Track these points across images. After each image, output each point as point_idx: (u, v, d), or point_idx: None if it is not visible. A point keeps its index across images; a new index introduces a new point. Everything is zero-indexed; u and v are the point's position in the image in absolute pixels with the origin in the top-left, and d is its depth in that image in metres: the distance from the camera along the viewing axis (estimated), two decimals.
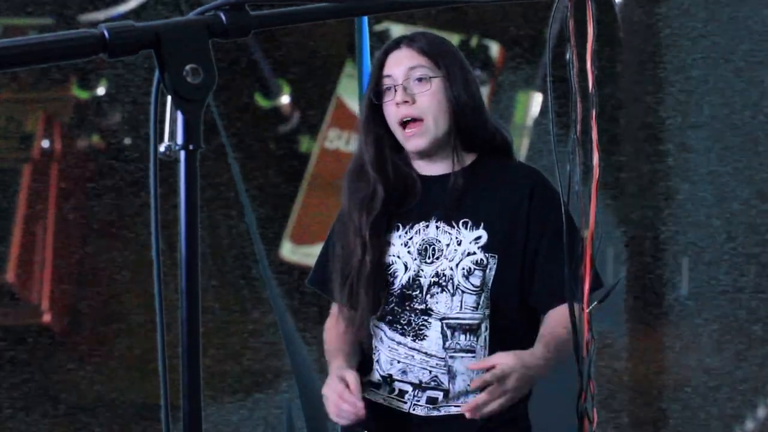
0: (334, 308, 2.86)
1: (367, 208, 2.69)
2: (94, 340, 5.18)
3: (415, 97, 2.67)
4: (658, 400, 4.91)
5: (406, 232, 2.71)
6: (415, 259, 2.68)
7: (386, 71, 2.70)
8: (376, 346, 2.75)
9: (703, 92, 4.92)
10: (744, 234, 4.86)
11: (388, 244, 2.71)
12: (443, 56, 2.70)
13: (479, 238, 2.67)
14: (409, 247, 2.70)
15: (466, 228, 2.68)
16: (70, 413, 5.12)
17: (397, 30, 4.97)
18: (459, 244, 2.67)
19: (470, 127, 2.71)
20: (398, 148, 2.74)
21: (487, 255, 2.66)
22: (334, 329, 2.82)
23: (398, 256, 2.70)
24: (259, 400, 5.01)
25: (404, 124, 2.69)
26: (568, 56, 2.05)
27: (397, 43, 2.72)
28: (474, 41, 5.02)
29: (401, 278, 2.69)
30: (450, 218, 2.69)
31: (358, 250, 2.69)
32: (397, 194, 2.71)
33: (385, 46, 2.75)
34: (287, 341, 3.71)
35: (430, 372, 2.69)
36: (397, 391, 2.72)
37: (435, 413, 2.70)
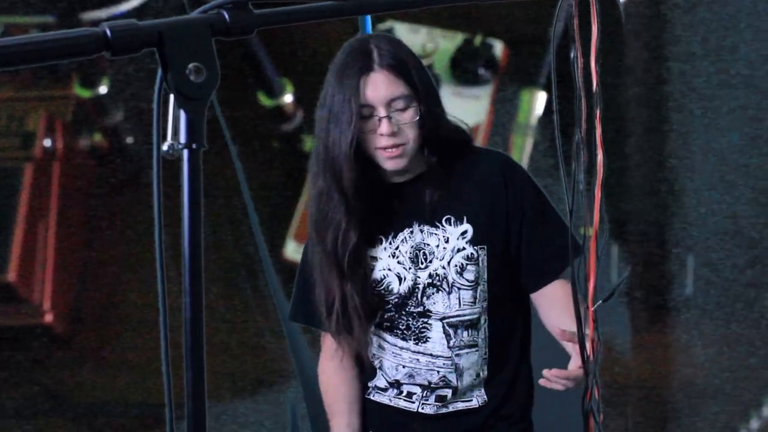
0: (326, 341, 2.80)
1: (344, 240, 2.61)
2: (96, 340, 5.17)
3: (400, 126, 2.58)
4: (663, 399, 4.90)
5: (390, 243, 2.67)
6: (410, 268, 2.66)
7: (365, 100, 2.57)
8: (375, 354, 2.74)
9: (708, 90, 4.91)
10: (749, 232, 4.85)
11: (375, 259, 2.67)
12: (413, 71, 2.61)
13: (465, 232, 2.66)
14: (398, 257, 2.67)
15: (450, 224, 2.67)
16: (72, 413, 5.11)
17: (401, 29, 4.96)
18: (447, 242, 2.66)
19: (435, 131, 2.65)
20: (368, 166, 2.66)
21: (476, 248, 2.66)
22: (331, 374, 2.80)
23: (389, 269, 2.67)
24: (262, 400, 5.00)
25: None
26: (572, 55, 2.04)
27: (368, 65, 2.58)
28: (478, 40, 5.01)
29: (398, 289, 2.67)
30: (432, 219, 2.67)
31: (337, 286, 2.64)
32: (373, 213, 2.65)
33: (354, 66, 2.59)
34: (291, 341, 3.70)
35: (438, 372, 2.69)
36: (405, 393, 2.73)
37: (443, 410, 2.72)
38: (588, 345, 2.02)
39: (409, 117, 2.59)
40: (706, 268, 4.86)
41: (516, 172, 2.73)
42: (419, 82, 2.61)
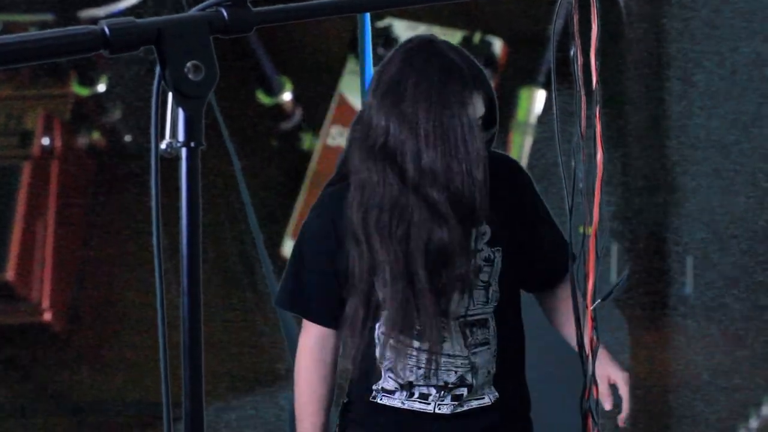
0: (309, 333, 2.76)
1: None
2: (95, 339, 5.17)
3: None
4: (662, 399, 4.90)
5: None
6: None
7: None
8: (384, 354, 2.73)
9: (708, 88, 4.91)
10: (749, 231, 4.85)
11: None
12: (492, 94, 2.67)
13: (484, 234, 2.67)
14: None
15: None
16: (70, 412, 5.11)
17: (399, 26, 4.95)
18: None
19: None
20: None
21: (492, 250, 2.68)
22: (313, 369, 2.77)
23: None
24: (261, 399, 5.00)
25: None
26: (572, 52, 2.03)
27: (469, 85, 2.56)
28: (477, 37, 5.01)
29: None
30: None
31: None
32: None
33: (458, 85, 2.55)
34: (289, 340, 3.70)
35: (456, 372, 2.70)
36: (417, 395, 2.72)
37: (460, 409, 2.72)
38: (587, 344, 2.02)
39: None
40: (706, 268, 4.86)
41: (523, 175, 2.79)
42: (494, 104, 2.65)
